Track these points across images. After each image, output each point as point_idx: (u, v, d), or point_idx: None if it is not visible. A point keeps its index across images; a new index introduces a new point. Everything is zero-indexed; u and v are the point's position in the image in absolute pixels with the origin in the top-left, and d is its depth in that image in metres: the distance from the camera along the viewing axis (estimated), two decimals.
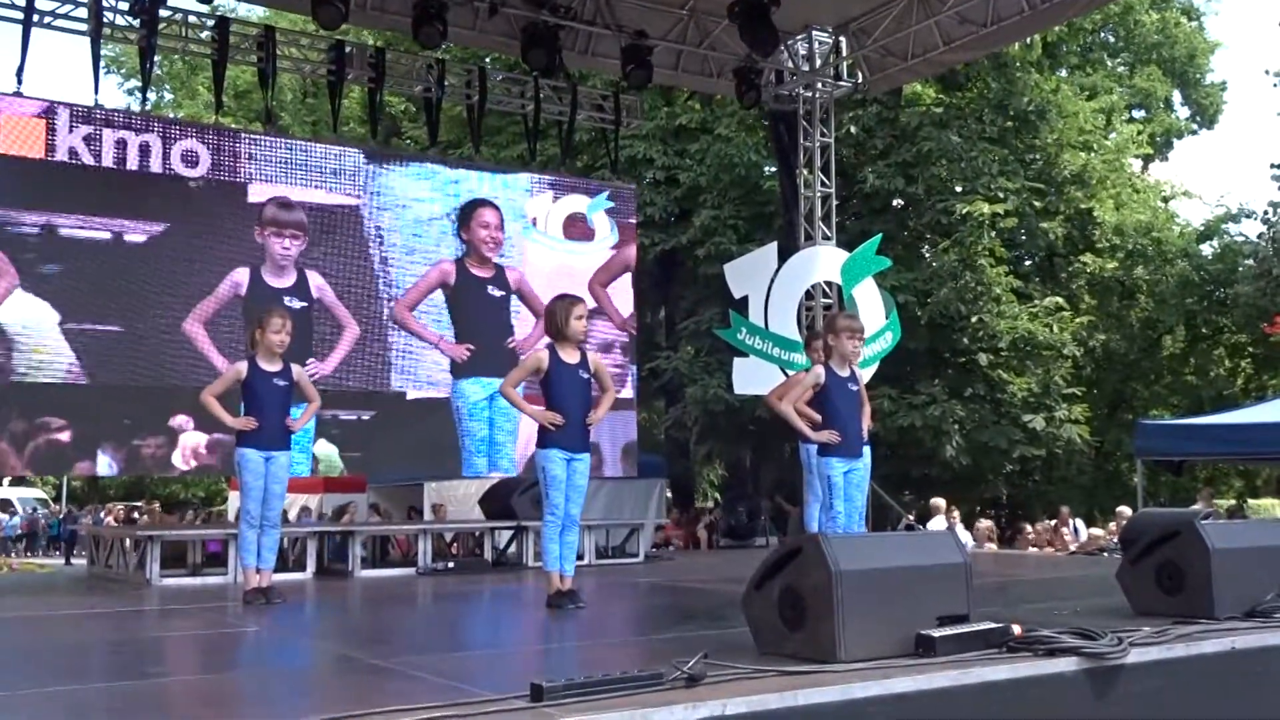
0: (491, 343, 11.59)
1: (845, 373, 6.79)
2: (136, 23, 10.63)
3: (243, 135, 11.02)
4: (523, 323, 11.80)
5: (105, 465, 10.03)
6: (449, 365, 11.37)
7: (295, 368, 7.22)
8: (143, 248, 10.05)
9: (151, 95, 28.12)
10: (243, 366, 6.99)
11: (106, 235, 9.94)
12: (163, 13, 10.72)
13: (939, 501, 14.40)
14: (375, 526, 11.71)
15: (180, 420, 10.07)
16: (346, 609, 7.46)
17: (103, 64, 10.85)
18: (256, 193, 10.52)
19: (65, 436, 9.64)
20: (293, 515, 15.79)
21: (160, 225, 10.13)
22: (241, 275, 10.42)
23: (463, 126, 15.50)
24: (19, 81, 9.82)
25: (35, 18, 10.10)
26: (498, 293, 11.71)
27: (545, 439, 6.37)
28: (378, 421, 11.01)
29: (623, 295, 12.47)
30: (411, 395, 11.20)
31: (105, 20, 10.50)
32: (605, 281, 12.34)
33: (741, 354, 12.26)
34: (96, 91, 10.42)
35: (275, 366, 6.99)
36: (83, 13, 10.38)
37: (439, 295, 11.43)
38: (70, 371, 9.66)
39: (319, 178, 10.84)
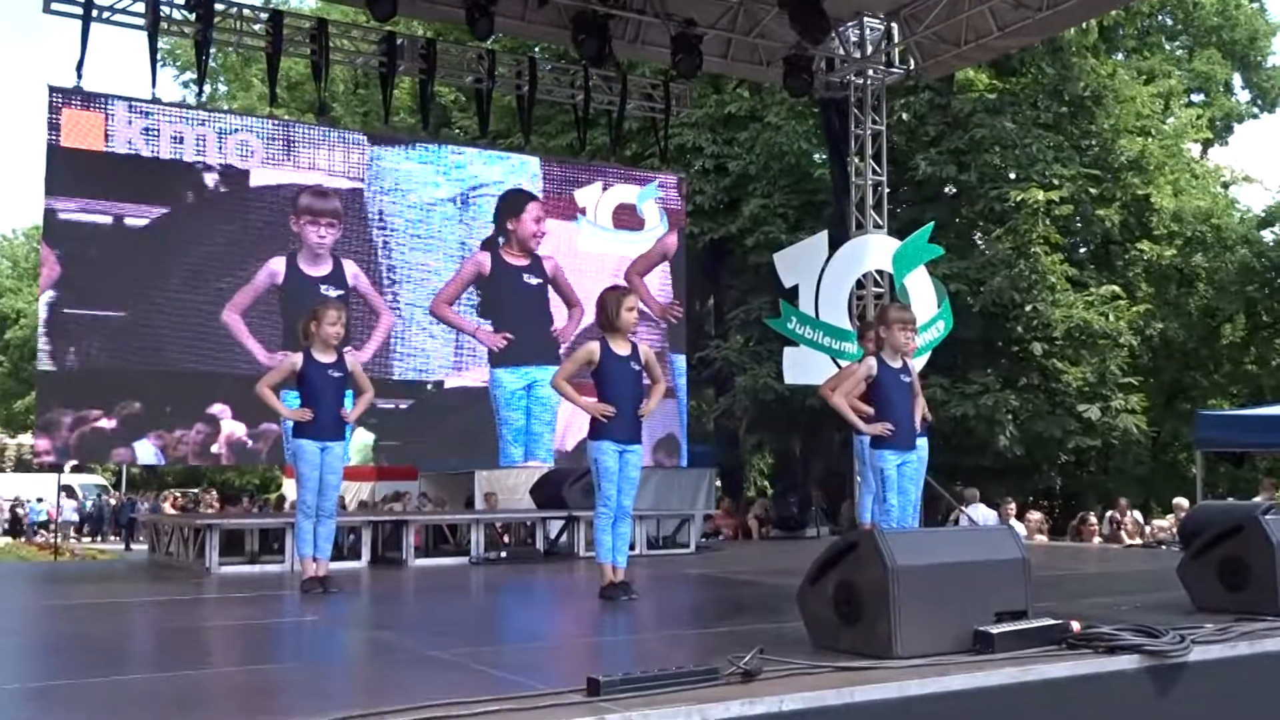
0: (528, 331, 11.62)
1: (897, 364, 6.73)
2: (193, 17, 10.76)
3: (244, 119, 10.98)
4: (558, 310, 11.83)
5: (147, 454, 10.16)
6: (470, 354, 11.39)
7: (349, 359, 7.28)
8: (171, 235, 10.13)
9: (206, 88, 28.50)
10: (298, 358, 7.05)
11: (142, 222, 10.04)
12: (218, 6, 10.85)
13: (974, 491, 14.27)
14: (430, 516, 11.80)
15: (219, 408, 10.19)
16: (401, 599, 7.54)
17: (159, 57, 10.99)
18: (259, 178, 10.50)
19: (104, 424, 9.78)
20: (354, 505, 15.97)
21: (190, 212, 10.23)
22: (278, 264, 10.51)
23: (513, 116, 15.53)
24: (79, 76, 9.99)
25: (94, 13, 10.25)
26: (534, 281, 11.73)
27: (597, 431, 6.39)
28: (415, 410, 11.08)
29: (661, 284, 12.46)
30: (450, 384, 11.27)
31: (162, 15, 10.64)
32: (643, 271, 12.34)
33: (792, 343, 12.20)
34: (154, 85, 10.57)
35: (330, 358, 7.06)
36: (140, 7, 10.52)
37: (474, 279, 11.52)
38: (107, 360, 9.78)
39: (321, 161, 10.80)
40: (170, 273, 10.08)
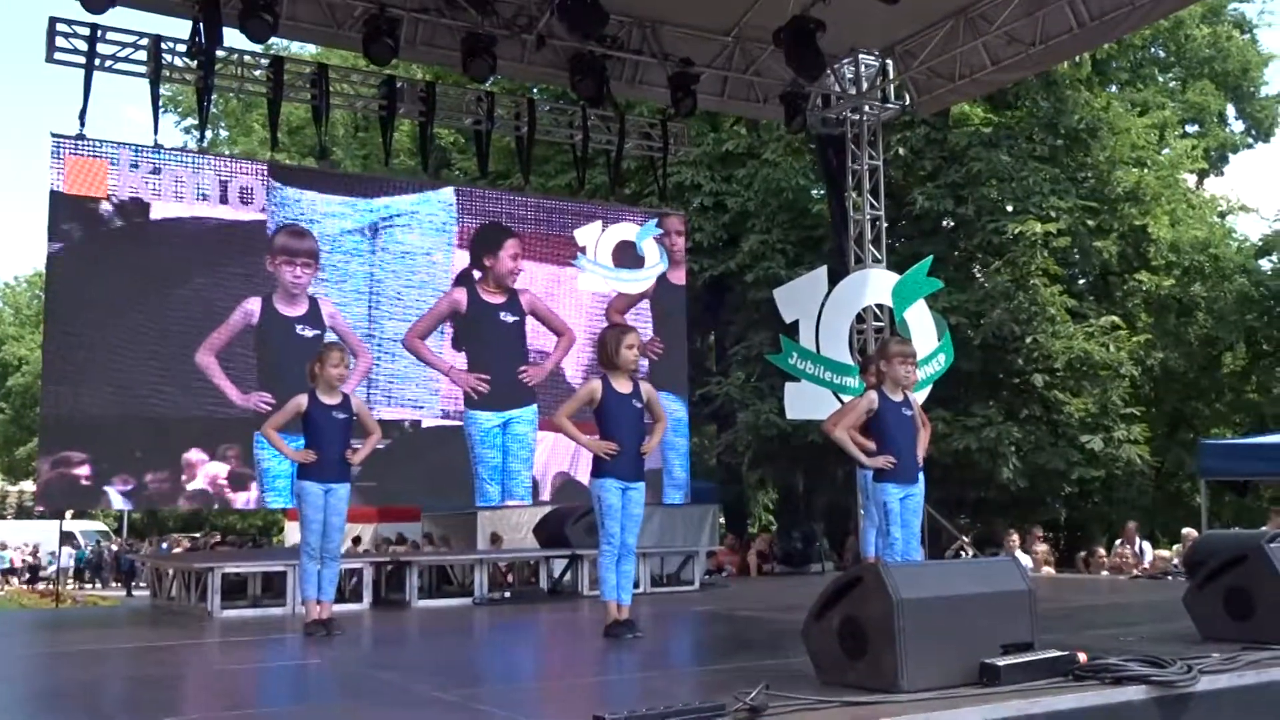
0: (505, 370, 11.52)
1: (899, 397, 6.74)
2: (194, 64, 10.86)
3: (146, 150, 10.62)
4: (536, 347, 11.75)
5: (118, 499, 10.11)
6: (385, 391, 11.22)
7: (355, 401, 7.30)
8: (144, 277, 10.08)
9: (208, 133, 28.69)
10: (303, 400, 7.06)
11: (111, 263, 9.99)
12: (219, 53, 10.94)
13: None
14: (433, 556, 11.77)
15: (193, 453, 10.13)
16: (405, 640, 7.51)
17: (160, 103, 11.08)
18: (158, 211, 10.24)
19: (77, 470, 9.70)
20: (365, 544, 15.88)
21: (152, 254, 10.15)
22: (254, 304, 10.46)
23: (512, 157, 15.65)
24: (81, 124, 10.07)
25: (97, 61, 10.35)
26: (511, 318, 11.64)
27: (600, 468, 6.40)
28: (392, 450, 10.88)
29: (641, 321, 12.38)
30: (427, 424, 11.17)
31: (164, 62, 10.74)
32: (622, 309, 12.29)
33: (793, 379, 12.22)
34: (156, 132, 10.64)
35: (334, 400, 7.07)
36: (143, 55, 10.62)
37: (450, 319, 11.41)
38: (82, 405, 9.71)
39: (219, 193, 10.53)
40: (143, 316, 10.02)
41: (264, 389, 10.26)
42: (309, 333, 10.53)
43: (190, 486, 10.16)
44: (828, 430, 7.05)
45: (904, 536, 6.64)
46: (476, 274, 11.59)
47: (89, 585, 31.19)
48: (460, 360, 11.40)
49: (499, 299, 11.62)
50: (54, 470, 9.72)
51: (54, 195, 9.83)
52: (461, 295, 11.48)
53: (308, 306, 10.71)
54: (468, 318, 11.47)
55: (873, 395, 6.73)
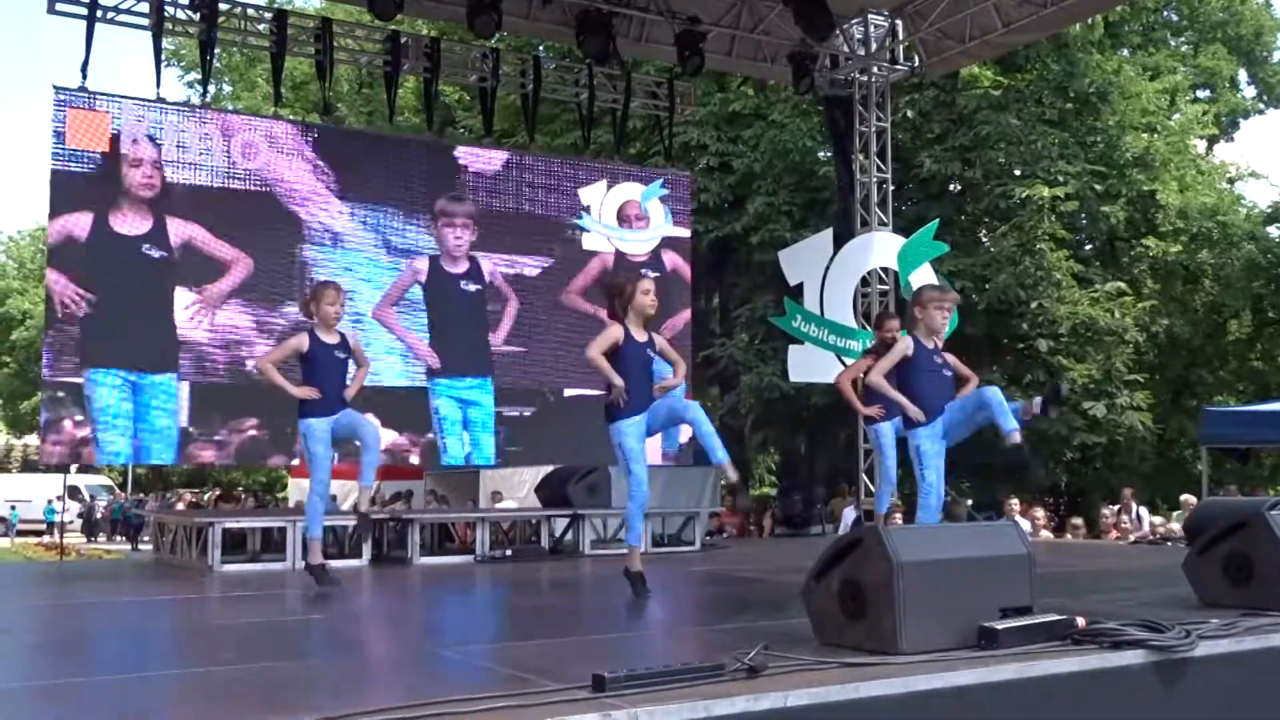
0: (466, 340, 11.58)
1: (931, 345, 6.63)
2: (196, 17, 10.77)
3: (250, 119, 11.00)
4: (495, 317, 11.77)
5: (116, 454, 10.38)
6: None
7: (351, 338, 7.27)
8: (146, 231, 10.16)
9: (211, 88, 28.49)
10: (304, 340, 7.01)
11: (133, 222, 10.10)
12: (222, 6, 10.86)
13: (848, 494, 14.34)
14: (434, 514, 11.81)
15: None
16: (407, 597, 7.54)
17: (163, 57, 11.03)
18: (160, 163, 10.28)
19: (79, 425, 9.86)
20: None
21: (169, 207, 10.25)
22: (421, 264, 11.23)
23: (517, 115, 15.55)
24: (84, 76, 10.02)
25: (99, 13, 10.27)
26: (472, 287, 11.65)
27: (614, 414, 6.32)
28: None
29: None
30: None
31: (166, 15, 10.66)
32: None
33: (797, 341, 12.20)
34: (158, 85, 10.60)
35: (334, 339, 7.05)
36: (144, 8, 10.54)
37: (418, 294, 11.43)
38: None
39: (223, 147, 10.56)
40: (144, 269, 10.10)
41: (430, 343, 11.24)
42: (472, 288, 11.50)
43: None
44: (870, 379, 6.83)
45: (936, 482, 6.59)
46: (435, 244, 11.58)
47: (99, 539, 31.36)
48: (423, 332, 11.42)
49: (459, 269, 11.62)
50: (57, 424, 9.75)
51: (56, 148, 9.80)
52: (422, 264, 11.48)
53: (469, 265, 11.50)
54: (429, 287, 11.45)
55: (909, 341, 6.62)
